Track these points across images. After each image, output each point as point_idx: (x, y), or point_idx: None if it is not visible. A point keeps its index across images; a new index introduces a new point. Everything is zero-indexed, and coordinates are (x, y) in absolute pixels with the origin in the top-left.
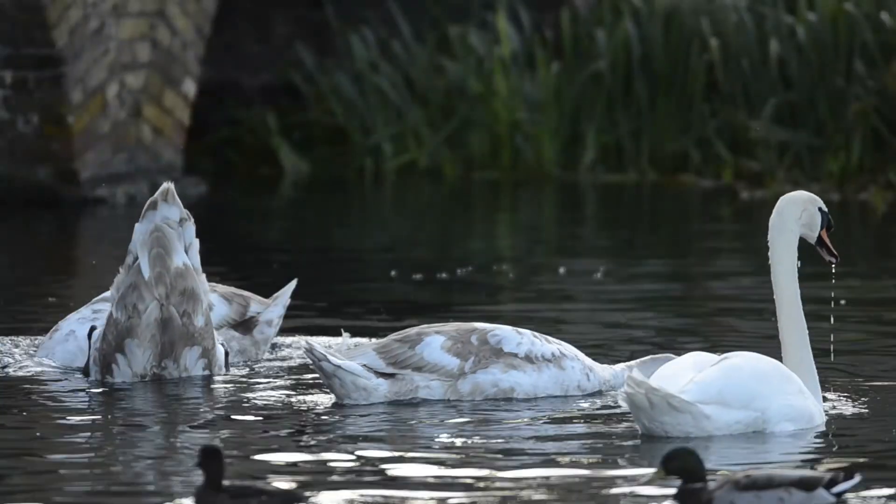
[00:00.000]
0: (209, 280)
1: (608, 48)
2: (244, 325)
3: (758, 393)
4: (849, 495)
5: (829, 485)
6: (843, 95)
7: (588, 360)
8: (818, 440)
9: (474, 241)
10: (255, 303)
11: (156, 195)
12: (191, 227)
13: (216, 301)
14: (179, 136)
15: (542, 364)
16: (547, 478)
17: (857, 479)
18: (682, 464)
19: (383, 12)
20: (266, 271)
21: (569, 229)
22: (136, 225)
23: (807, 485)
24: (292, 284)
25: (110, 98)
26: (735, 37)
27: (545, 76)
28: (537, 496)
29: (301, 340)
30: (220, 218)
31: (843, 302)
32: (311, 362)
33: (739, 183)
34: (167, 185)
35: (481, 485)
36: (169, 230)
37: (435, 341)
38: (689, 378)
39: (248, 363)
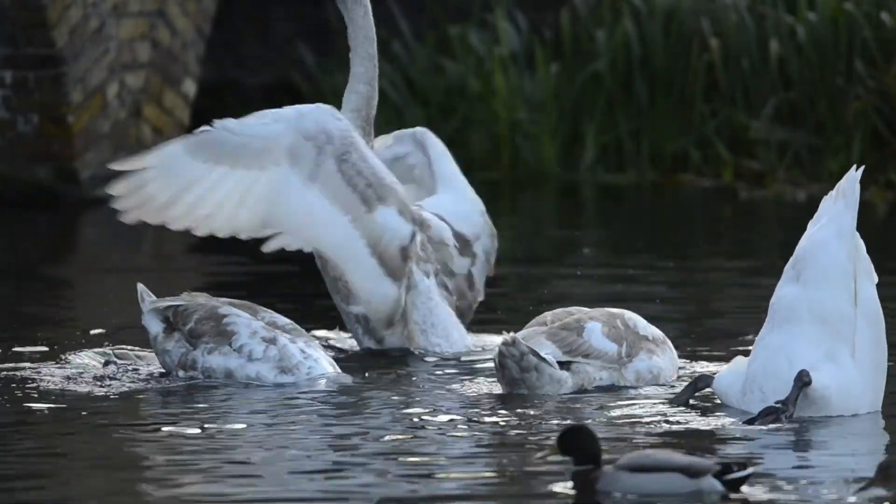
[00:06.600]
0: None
1: (608, 48)
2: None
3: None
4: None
5: (720, 474)
6: (843, 95)
7: None
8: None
9: None
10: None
11: None
12: None
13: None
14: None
15: (663, 345)
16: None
17: (749, 470)
18: (576, 443)
19: (383, 12)
20: (265, 270)
21: (568, 229)
22: None
23: (694, 472)
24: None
25: (110, 98)
26: (735, 37)
27: (545, 76)
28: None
29: (501, 337)
30: None
31: None
32: (500, 357)
33: (739, 183)
34: None
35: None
36: None
37: (595, 328)
38: None
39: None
